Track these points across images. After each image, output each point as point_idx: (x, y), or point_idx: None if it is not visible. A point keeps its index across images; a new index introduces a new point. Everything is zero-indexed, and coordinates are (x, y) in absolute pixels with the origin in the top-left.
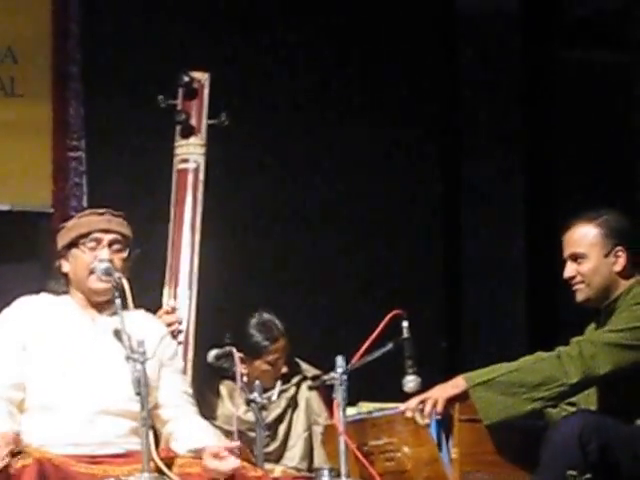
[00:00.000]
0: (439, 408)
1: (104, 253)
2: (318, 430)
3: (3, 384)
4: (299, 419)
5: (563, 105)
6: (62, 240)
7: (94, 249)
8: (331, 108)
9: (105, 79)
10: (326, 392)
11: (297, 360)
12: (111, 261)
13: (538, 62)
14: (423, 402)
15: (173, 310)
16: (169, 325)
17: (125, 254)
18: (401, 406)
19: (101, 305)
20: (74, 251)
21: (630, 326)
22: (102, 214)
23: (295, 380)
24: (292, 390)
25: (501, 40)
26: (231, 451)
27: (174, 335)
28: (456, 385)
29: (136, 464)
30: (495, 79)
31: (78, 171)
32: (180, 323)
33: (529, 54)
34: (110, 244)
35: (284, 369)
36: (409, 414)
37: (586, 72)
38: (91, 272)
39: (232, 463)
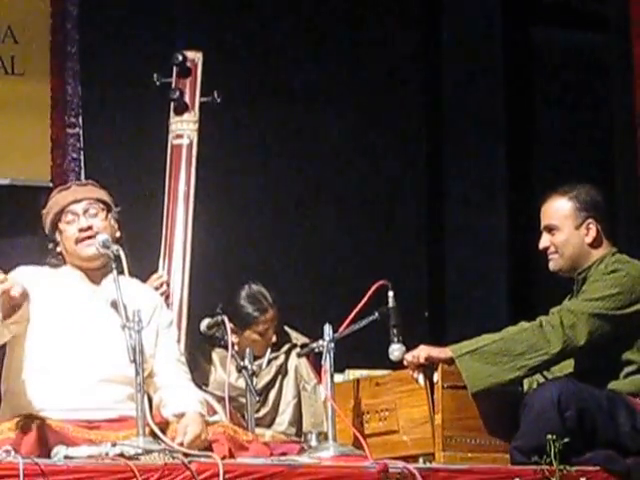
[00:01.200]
0: (421, 359)
1: (82, 221)
2: (306, 395)
3: None
4: (289, 386)
5: (543, 82)
6: (46, 226)
7: (73, 221)
8: (320, 83)
9: (102, 58)
10: (315, 359)
11: (287, 329)
12: (90, 228)
13: (517, 42)
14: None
15: (160, 277)
16: (156, 289)
17: (103, 215)
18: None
19: (99, 276)
20: (58, 230)
21: (605, 294)
22: (68, 188)
23: (285, 348)
24: (282, 358)
25: (481, 21)
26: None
27: (166, 297)
28: (443, 351)
29: (132, 429)
30: (476, 58)
31: (76, 147)
32: (167, 285)
33: (509, 34)
34: (85, 211)
35: (274, 338)
36: (415, 375)
37: (564, 51)
38: (76, 242)
39: (188, 436)
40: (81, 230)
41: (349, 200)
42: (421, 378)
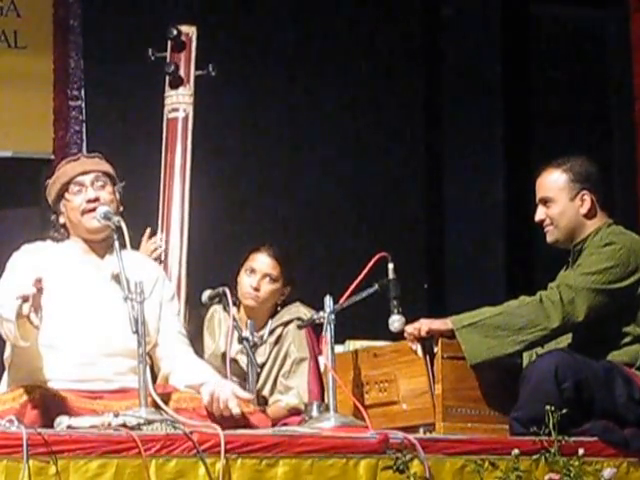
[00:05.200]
0: (422, 332)
1: (90, 193)
2: (287, 364)
3: None
4: (277, 360)
5: (540, 57)
6: (50, 196)
7: (80, 192)
8: (319, 59)
9: (103, 33)
10: (315, 331)
11: (299, 304)
12: (97, 199)
13: (516, 18)
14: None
15: (152, 234)
16: (153, 251)
17: (110, 188)
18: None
19: (102, 249)
20: (63, 201)
21: (601, 268)
22: (77, 159)
23: (283, 319)
24: (276, 333)
25: None
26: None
27: (160, 260)
28: (444, 323)
29: (134, 399)
30: (475, 34)
31: (78, 119)
32: (161, 246)
33: (507, 10)
34: (92, 183)
35: (274, 306)
36: (414, 347)
37: (562, 27)
38: (83, 212)
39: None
40: (89, 201)
41: (349, 172)
42: (419, 349)
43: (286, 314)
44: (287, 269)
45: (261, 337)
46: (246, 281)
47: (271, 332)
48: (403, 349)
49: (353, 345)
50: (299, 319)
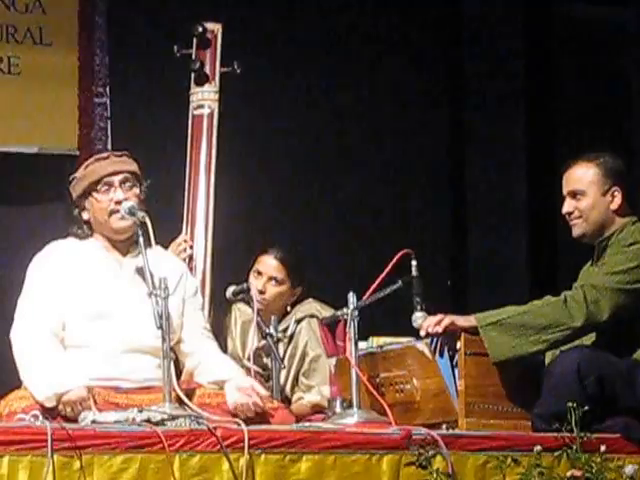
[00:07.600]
0: (443, 324)
1: (118, 194)
2: (307, 361)
3: (52, 324)
4: (295, 357)
5: (563, 58)
6: (76, 191)
7: (108, 192)
8: (342, 55)
9: (128, 29)
10: (330, 328)
11: (312, 300)
12: (127, 199)
13: (539, 18)
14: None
15: (185, 241)
16: (180, 253)
17: (137, 189)
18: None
19: (125, 246)
20: (90, 199)
21: (626, 267)
22: (106, 158)
23: (298, 316)
24: (289, 331)
25: None
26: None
27: (188, 261)
28: (468, 320)
29: (158, 395)
30: (498, 34)
31: (103, 116)
32: (191, 247)
33: (530, 11)
34: (121, 184)
35: (287, 307)
36: (422, 333)
37: (584, 27)
38: (110, 213)
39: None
40: (117, 202)
41: (372, 169)
42: (427, 350)
43: (298, 312)
44: (295, 271)
45: (285, 329)
46: (253, 283)
47: (284, 330)
48: (410, 352)
49: (377, 341)
50: (312, 316)
